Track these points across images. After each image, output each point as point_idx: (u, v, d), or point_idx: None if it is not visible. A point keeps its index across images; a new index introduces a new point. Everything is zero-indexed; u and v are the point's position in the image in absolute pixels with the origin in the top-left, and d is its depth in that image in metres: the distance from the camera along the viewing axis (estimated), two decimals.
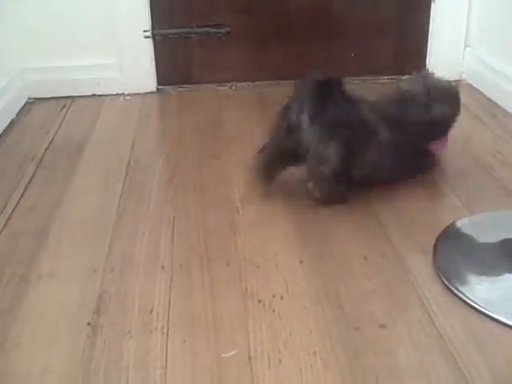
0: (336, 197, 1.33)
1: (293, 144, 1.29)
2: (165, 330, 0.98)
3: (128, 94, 2.01)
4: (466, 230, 1.22)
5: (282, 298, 1.04)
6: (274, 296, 1.04)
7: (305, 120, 1.27)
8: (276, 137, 1.34)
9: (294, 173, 1.37)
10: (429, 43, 2.07)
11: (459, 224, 1.23)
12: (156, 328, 0.98)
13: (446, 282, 1.06)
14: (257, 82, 2.07)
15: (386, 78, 2.10)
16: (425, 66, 2.09)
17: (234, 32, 2.02)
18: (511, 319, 0.97)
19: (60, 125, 1.78)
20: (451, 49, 2.06)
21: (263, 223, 1.26)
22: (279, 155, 1.34)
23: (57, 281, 1.11)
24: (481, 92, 1.96)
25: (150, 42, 1.99)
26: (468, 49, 2.06)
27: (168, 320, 1.00)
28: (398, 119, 1.34)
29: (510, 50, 1.84)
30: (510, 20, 1.83)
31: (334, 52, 2.07)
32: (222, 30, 2.01)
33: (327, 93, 1.30)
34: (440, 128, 1.40)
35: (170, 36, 2.00)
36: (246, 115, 1.83)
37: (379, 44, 2.08)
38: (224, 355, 0.92)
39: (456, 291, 1.04)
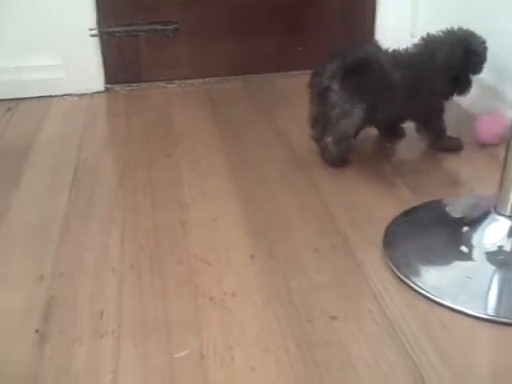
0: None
1: (323, 107, 1.40)
2: (116, 333, 0.96)
3: (76, 95, 1.97)
4: (414, 219, 1.24)
5: (233, 294, 1.04)
6: (225, 293, 1.04)
7: (335, 84, 1.36)
8: (310, 105, 1.45)
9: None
10: (375, 35, 2.09)
11: (408, 213, 1.24)
12: (107, 332, 0.97)
13: (396, 272, 1.07)
14: (206, 79, 2.06)
15: None
16: None
17: (182, 28, 2.00)
18: (459, 304, 0.99)
19: (5, 128, 1.74)
20: (397, 41, 2.07)
21: (214, 220, 1.25)
22: (315, 121, 1.45)
23: (3, 287, 1.08)
24: None
25: (96, 40, 1.96)
26: (414, 39, 2.08)
27: (119, 323, 0.98)
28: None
29: None
30: (453, 11, 1.86)
31: (281, 46, 2.07)
32: (170, 27, 1.99)
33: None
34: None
35: (117, 34, 1.97)
36: (195, 113, 1.81)
37: (325, 37, 2.08)
38: (176, 356, 0.91)
39: (406, 280, 1.05)
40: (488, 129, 1.49)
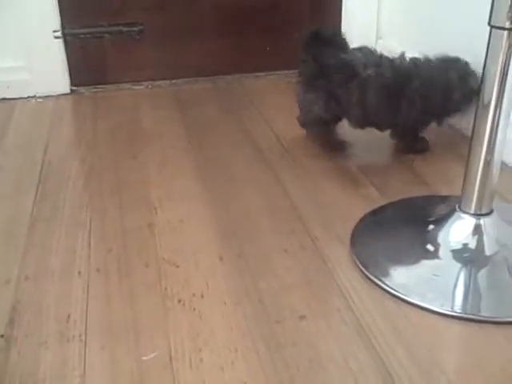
0: (334, 143, 1.53)
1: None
2: (83, 337, 0.95)
3: (40, 97, 1.94)
4: (382, 219, 1.25)
5: (202, 296, 1.03)
6: (194, 295, 1.03)
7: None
8: (299, 92, 1.52)
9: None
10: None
11: (375, 212, 1.25)
12: (73, 336, 0.95)
13: (364, 271, 1.08)
14: (173, 80, 2.05)
15: None
16: None
17: (148, 30, 1.99)
18: (426, 302, 1.00)
19: None
20: (364, 41, 2.09)
21: (182, 222, 1.25)
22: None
23: None
24: None
25: (60, 42, 1.94)
26: (380, 41, 2.10)
27: (86, 327, 0.97)
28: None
29: (418, 41, 1.89)
30: (417, 11, 1.88)
31: (249, 47, 2.07)
32: (135, 29, 1.98)
33: (319, 44, 1.45)
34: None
35: (82, 36, 1.96)
36: (163, 114, 1.81)
37: (293, 38, 2.09)
38: (144, 358, 0.91)
39: (374, 279, 1.06)
40: None
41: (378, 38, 2.10)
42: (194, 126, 1.71)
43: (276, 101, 1.87)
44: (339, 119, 1.50)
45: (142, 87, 2.02)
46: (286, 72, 2.10)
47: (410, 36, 1.95)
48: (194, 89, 2.00)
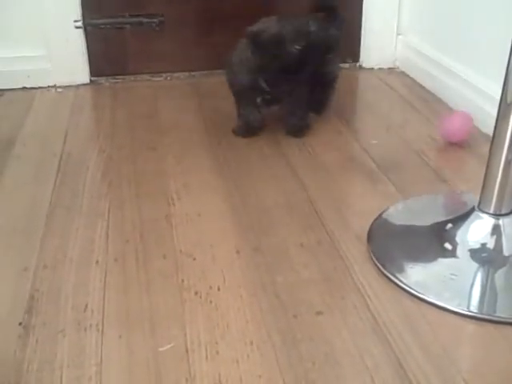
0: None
1: None
2: (100, 326, 0.96)
3: (60, 87, 1.95)
4: (399, 216, 1.25)
5: (218, 289, 1.04)
6: (210, 287, 1.04)
7: None
8: None
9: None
10: (362, 31, 2.09)
11: (393, 209, 1.25)
12: (90, 325, 0.96)
13: (381, 268, 1.08)
14: (192, 73, 2.05)
15: None
16: (358, 54, 2.12)
17: (168, 21, 1.99)
18: (443, 301, 1.00)
19: None
20: (384, 37, 2.09)
21: (199, 215, 1.25)
22: None
23: None
24: (413, 79, 2.00)
25: (81, 32, 1.94)
26: (400, 36, 2.09)
27: (103, 316, 0.98)
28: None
29: (440, 37, 1.88)
30: (440, 7, 1.87)
31: None
32: (156, 20, 1.98)
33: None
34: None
35: (102, 26, 1.96)
36: (181, 106, 1.81)
37: None
38: (160, 349, 0.91)
39: (390, 276, 1.06)
40: (455, 129, 1.50)
41: (398, 33, 2.09)
42: (212, 119, 1.71)
43: None
44: None
45: (161, 79, 2.03)
46: None
47: (431, 32, 1.94)
48: (213, 81, 1.99)
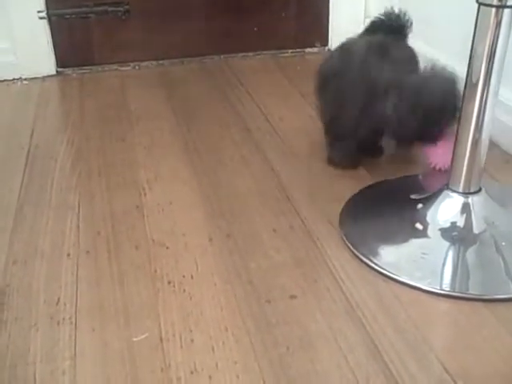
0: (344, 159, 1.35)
1: None
2: (73, 319, 0.95)
3: (26, 79, 1.92)
4: (371, 198, 1.25)
5: (192, 277, 1.03)
6: (183, 276, 1.03)
7: None
8: None
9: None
10: (330, 15, 2.09)
11: (364, 192, 1.25)
12: (63, 318, 0.95)
13: (353, 250, 1.08)
14: (160, 61, 2.03)
15: (290, 51, 2.11)
16: (327, 38, 2.12)
17: (134, 10, 1.97)
18: (415, 280, 1.01)
19: None
20: (351, 21, 2.09)
21: (171, 204, 1.24)
22: None
23: None
24: None
25: (45, 23, 1.91)
26: (368, 20, 2.09)
27: (76, 309, 0.97)
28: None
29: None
30: None
31: (236, 27, 2.05)
32: (121, 9, 1.95)
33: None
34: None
35: (67, 16, 1.93)
36: (150, 95, 1.79)
37: (281, 18, 2.08)
38: (134, 339, 0.91)
39: (363, 258, 1.06)
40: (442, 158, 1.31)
41: (365, 17, 2.09)
42: (181, 107, 1.69)
43: (264, 81, 1.86)
44: None
45: (129, 68, 2.01)
46: (274, 52, 2.09)
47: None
48: (181, 70, 1.98)
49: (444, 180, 1.13)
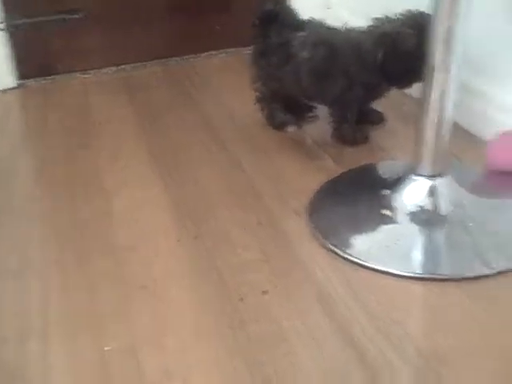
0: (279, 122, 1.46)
1: None
2: (43, 332, 0.93)
3: None
4: (338, 188, 1.25)
5: (162, 280, 1.02)
6: (154, 280, 1.02)
7: None
8: None
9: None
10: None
11: (331, 182, 1.25)
12: (33, 331, 0.93)
13: (324, 241, 1.08)
14: (122, 66, 2.01)
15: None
16: None
17: (92, 16, 1.94)
18: (387, 266, 1.00)
19: None
20: (313, 11, 2.07)
21: (138, 208, 1.23)
22: None
23: None
24: None
25: (2, 34, 1.88)
26: (329, 10, 2.09)
27: (46, 321, 0.95)
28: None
29: (368, 10, 1.88)
30: None
31: (198, 27, 2.04)
32: (77, 16, 1.92)
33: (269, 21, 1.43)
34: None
35: (24, 27, 1.90)
36: (113, 101, 1.77)
37: (243, 15, 2.06)
38: (107, 348, 0.89)
39: (333, 248, 1.06)
40: (505, 153, 1.23)
41: (327, 7, 2.09)
42: (145, 111, 1.68)
43: (229, 79, 1.85)
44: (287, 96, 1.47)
45: (91, 75, 1.98)
46: (237, 50, 2.08)
47: (359, 4, 1.94)
48: (144, 73, 1.96)
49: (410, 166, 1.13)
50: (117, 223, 1.19)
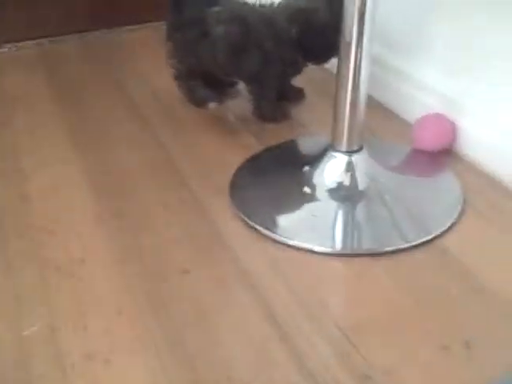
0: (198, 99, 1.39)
1: None
2: None
3: None
4: (259, 166, 1.25)
5: (82, 261, 1.00)
6: (73, 260, 1.00)
7: None
8: None
9: None
10: None
11: (252, 160, 1.25)
12: None
13: (245, 219, 1.08)
14: (39, 40, 1.93)
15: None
16: None
17: None
18: (308, 243, 1.02)
19: None
20: None
21: (57, 188, 1.20)
22: None
23: None
24: None
25: None
26: None
27: None
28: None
29: None
30: None
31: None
32: None
33: None
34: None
35: None
36: (30, 78, 1.70)
37: None
38: (25, 333, 0.87)
39: (255, 226, 1.06)
40: (433, 134, 1.26)
41: None
42: (64, 88, 1.63)
43: (151, 54, 1.81)
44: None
45: (6, 50, 1.90)
46: (160, 23, 2.03)
47: None
48: (63, 48, 1.90)
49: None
50: (34, 204, 1.15)
